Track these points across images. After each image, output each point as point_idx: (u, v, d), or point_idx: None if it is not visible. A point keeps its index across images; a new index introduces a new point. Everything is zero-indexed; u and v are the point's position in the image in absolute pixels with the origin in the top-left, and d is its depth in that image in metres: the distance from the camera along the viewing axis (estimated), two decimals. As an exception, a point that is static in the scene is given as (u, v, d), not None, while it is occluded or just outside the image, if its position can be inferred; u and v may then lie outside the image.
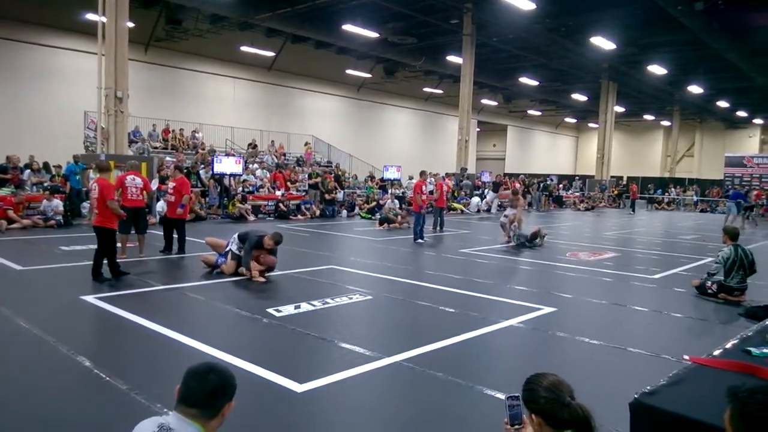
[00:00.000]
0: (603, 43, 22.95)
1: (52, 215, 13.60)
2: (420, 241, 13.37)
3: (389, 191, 22.57)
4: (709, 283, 7.89)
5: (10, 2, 20.55)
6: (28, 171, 15.79)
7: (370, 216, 19.89)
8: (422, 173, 14.92)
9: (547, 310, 6.81)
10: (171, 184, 10.52)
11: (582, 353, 5.33)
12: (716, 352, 3.13)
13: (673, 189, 37.20)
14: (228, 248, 8.49)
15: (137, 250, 9.82)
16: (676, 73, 29.37)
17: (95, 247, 7.81)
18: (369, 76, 32.78)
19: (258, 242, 8.21)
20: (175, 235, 10.31)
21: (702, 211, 32.38)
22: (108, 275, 7.73)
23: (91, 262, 7.80)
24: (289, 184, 21.05)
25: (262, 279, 8.05)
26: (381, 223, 17.04)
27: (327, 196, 20.27)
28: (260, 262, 8.24)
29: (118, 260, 8.03)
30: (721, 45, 23.38)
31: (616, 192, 35.84)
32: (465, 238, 14.77)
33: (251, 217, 17.44)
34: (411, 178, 26.50)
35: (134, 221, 9.72)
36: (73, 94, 21.29)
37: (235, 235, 8.57)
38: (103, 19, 14.93)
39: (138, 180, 9.88)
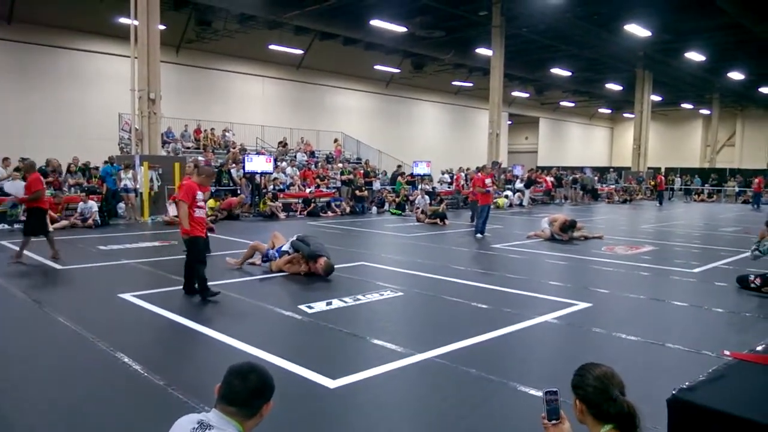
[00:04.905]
0: (638, 30, 22.46)
1: (89, 216, 13.94)
2: (487, 234, 13.32)
3: (419, 187, 22.50)
4: (752, 277, 7.64)
5: (44, 9, 21.12)
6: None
7: (399, 212, 19.89)
8: (481, 168, 14.96)
9: (582, 305, 6.68)
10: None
11: (619, 349, 5.21)
12: (759, 348, 3.03)
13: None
14: (283, 248, 8.54)
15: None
16: (715, 60, 28.58)
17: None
18: (397, 71, 32.72)
19: (312, 256, 8.09)
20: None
21: (744, 202, 31.36)
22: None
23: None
24: (318, 181, 21.16)
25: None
26: (433, 218, 16.50)
27: (358, 193, 20.31)
28: (310, 268, 8.16)
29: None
30: (762, 28, 22.64)
31: (653, 184, 34.97)
32: (497, 233, 14.62)
33: (282, 215, 17.58)
34: (444, 172, 26.53)
35: None
36: (108, 96, 21.82)
37: (294, 238, 8.56)
38: (135, 22, 15.21)
39: None
